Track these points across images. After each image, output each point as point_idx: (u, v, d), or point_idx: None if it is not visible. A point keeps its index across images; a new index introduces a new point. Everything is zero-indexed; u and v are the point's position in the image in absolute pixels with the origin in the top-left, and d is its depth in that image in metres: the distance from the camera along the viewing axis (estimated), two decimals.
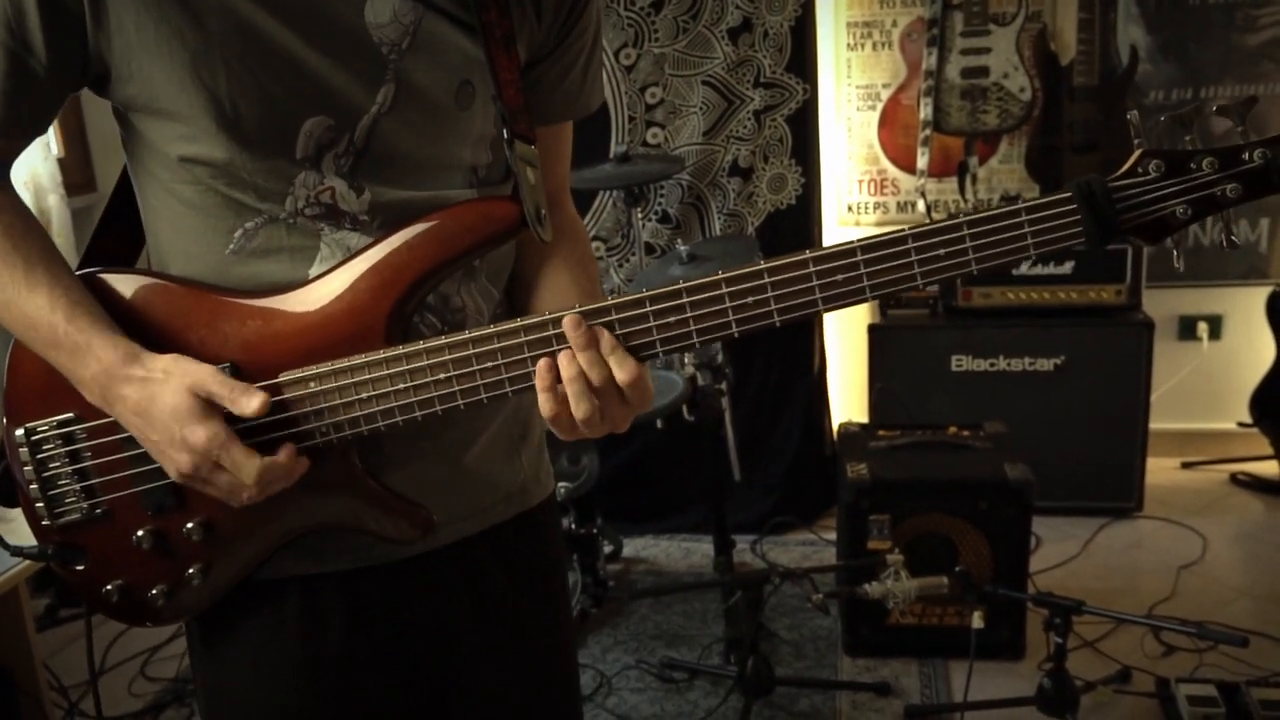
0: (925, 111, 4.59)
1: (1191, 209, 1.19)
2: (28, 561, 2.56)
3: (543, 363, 1.25)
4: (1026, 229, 1.19)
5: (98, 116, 1.46)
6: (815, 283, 1.22)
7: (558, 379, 1.25)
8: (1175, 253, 1.24)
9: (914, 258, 1.21)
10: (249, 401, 1.24)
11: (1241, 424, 4.73)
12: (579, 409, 1.25)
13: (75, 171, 4.31)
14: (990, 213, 1.20)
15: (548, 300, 1.44)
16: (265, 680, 1.46)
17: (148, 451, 1.29)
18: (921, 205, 4.71)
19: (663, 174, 4.24)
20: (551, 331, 1.26)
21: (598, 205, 4.59)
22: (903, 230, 1.21)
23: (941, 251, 1.20)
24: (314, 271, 1.32)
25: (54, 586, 4.07)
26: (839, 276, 1.22)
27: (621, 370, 1.24)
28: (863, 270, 1.21)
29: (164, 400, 1.23)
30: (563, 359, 1.24)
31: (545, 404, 1.26)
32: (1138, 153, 1.20)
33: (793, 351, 4.59)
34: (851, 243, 1.21)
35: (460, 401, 1.28)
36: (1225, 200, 1.18)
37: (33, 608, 3.36)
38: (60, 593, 4.07)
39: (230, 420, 1.25)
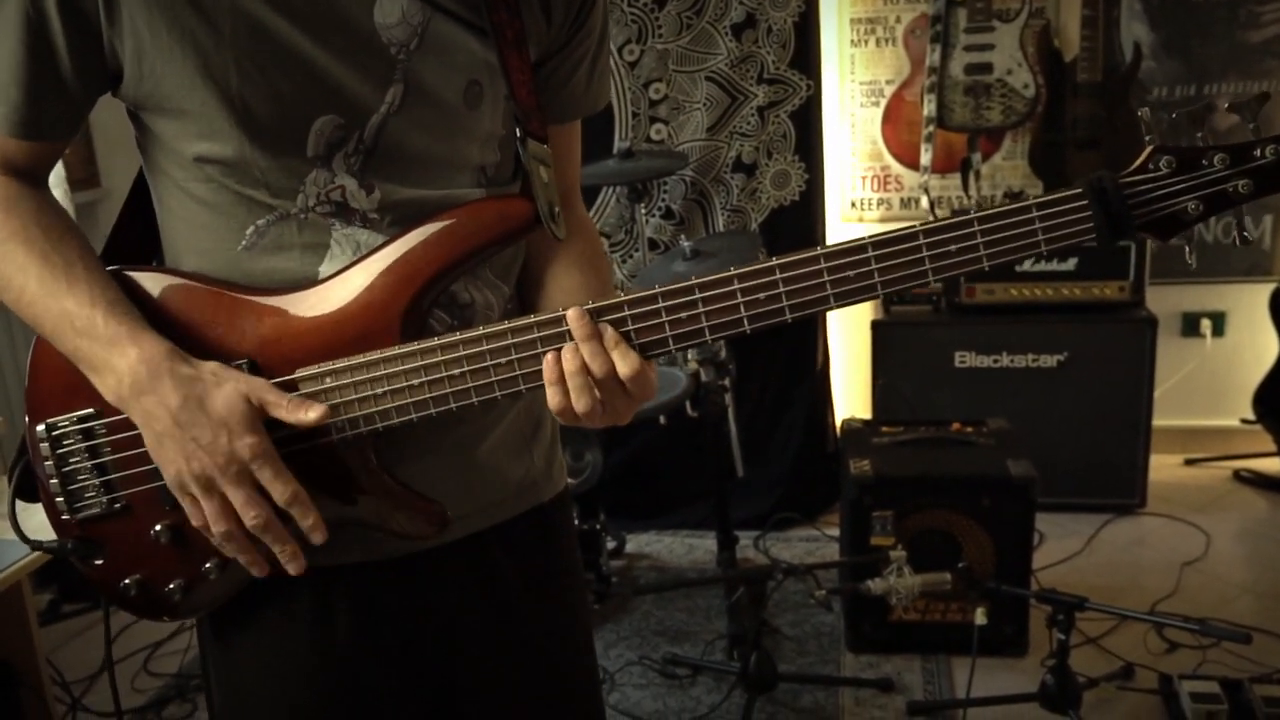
0: (929, 108, 4.59)
1: (1203, 205, 1.19)
2: (31, 557, 2.57)
3: (549, 356, 1.26)
4: (1038, 225, 1.19)
5: (102, 112, 1.47)
6: (827, 278, 1.22)
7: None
8: (1187, 249, 1.24)
9: (925, 254, 1.21)
10: (307, 413, 1.26)
11: (1245, 421, 4.73)
12: (579, 402, 1.26)
13: (79, 167, 4.32)
14: (1001, 209, 1.20)
15: (558, 300, 1.43)
16: (275, 672, 1.47)
17: (155, 450, 1.28)
18: (925, 201, 4.71)
19: (666, 170, 4.24)
20: (565, 328, 1.27)
21: (601, 201, 4.59)
22: (914, 226, 1.21)
23: (953, 248, 1.21)
24: (325, 268, 1.33)
25: (57, 582, 4.07)
26: (850, 272, 1.22)
27: (624, 363, 1.26)
28: (874, 266, 1.22)
29: (215, 401, 1.24)
30: (566, 352, 1.26)
31: (551, 397, 1.27)
32: (1149, 149, 1.20)
33: (796, 348, 4.59)
34: (863, 239, 1.22)
35: (475, 398, 1.29)
36: (1236, 197, 1.18)
37: (36, 603, 3.36)
38: (63, 588, 4.07)
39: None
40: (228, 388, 1.25)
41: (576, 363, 1.25)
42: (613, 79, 4.45)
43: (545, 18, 1.39)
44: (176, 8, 1.22)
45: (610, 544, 4.20)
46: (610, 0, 4.37)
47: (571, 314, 1.25)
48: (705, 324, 1.25)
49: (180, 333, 1.31)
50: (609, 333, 1.26)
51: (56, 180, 3.75)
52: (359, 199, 1.33)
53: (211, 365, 1.27)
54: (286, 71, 1.26)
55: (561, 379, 1.26)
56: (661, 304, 1.25)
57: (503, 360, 1.28)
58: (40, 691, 3.03)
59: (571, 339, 1.26)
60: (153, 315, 1.32)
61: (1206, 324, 4.76)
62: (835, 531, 4.33)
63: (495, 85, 1.37)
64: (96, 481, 1.36)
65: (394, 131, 1.32)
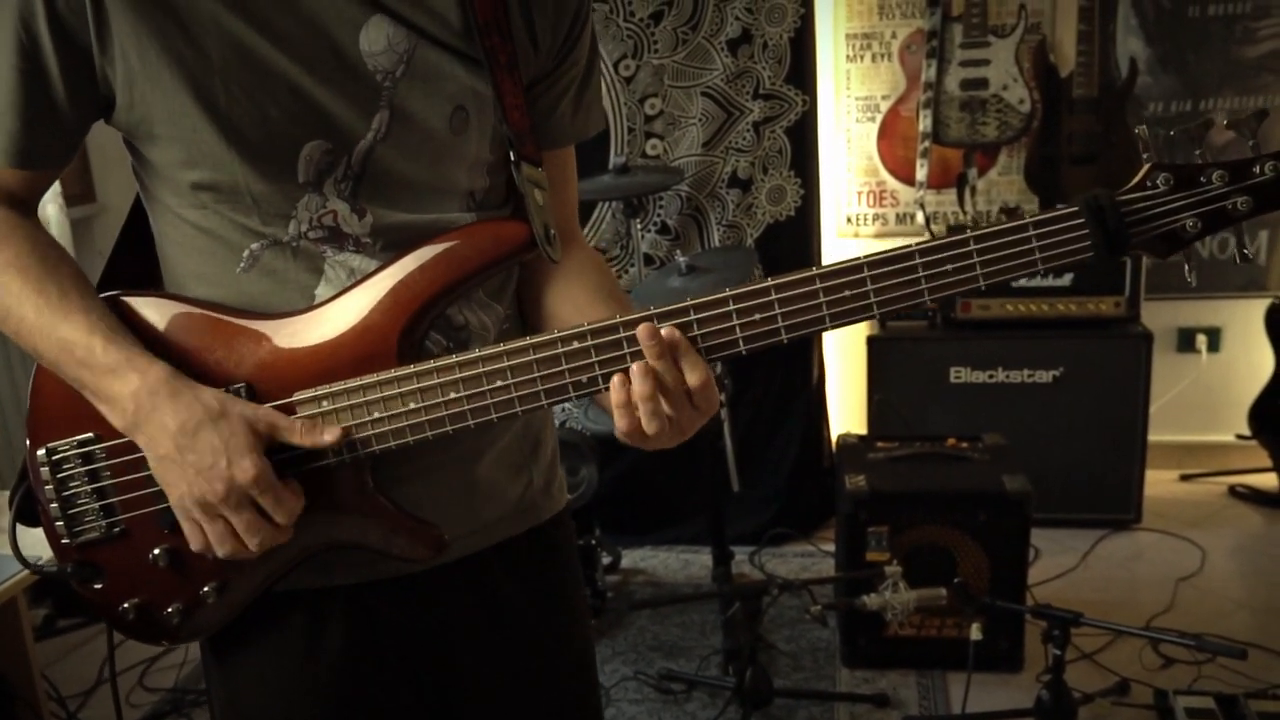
0: (924, 123, 4.60)
1: (1201, 222, 1.18)
2: (26, 572, 2.57)
3: (616, 378, 1.24)
4: (1034, 244, 1.19)
5: (97, 128, 1.48)
6: (822, 299, 1.22)
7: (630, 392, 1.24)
8: (1187, 267, 1.24)
9: (921, 274, 1.21)
10: (323, 434, 1.27)
11: (1240, 436, 4.73)
12: (650, 424, 1.24)
13: (74, 182, 4.32)
14: (997, 228, 1.19)
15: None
16: (272, 693, 1.46)
17: (159, 475, 1.29)
18: (920, 217, 4.71)
19: (662, 185, 4.24)
20: (560, 350, 1.26)
21: (597, 216, 4.59)
22: (909, 247, 1.21)
23: (949, 268, 1.20)
24: (320, 293, 1.34)
25: (52, 597, 4.06)
26: (846, 293, 1.21)
27: (693, 374, 1.24)
28: (870, 287, 1.21)
29: (219, 425, 1.24)
30: (636, 371, 1.23)
31: (620, 419, 1.25)
32: (1146, 166, 1.19)
33: (792, 363, 4.59)
34: (859, 259, 1.21)
35: (471, 421, 1.29)
36: (1236, 214, 1.18)
37: (31, 618, 3.35)
38: (59, 603, 4.06)
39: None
40: (233, 413, 1.25)
41: (648, 386, 1.23)
42: (608, 94, 4.45)
43: (533, 44, 1.39)
44: (165, 33, 1.22)
45: (606, 559, 4.20)
46: (606, 15, 4.38)
47: (643, 331, 1.22)
48: (701, 346, 1.25)
49: (177, 358, 1.31)
50: (681, 342, 1.24)
51: (51, 196, 3.75)
52: (351, 223, 1.33)
53: (216, 391, 1.27)
54: (274, 97, 1.26)
55: (628, 401, 1.25)
56: (658, 325, 1.24)
57: (498, 384, 1.27)
58: (35, 706, 3.03)
59: (565, 363, 1.26)
60: (150, 341, 1.32)
61: (1202, 339, 4.77)
62: (831, 547, 4.31)
63: (482, 111, 1.37)
64: (96, 506, 1.36)
65: (381, 158, 1.32)
